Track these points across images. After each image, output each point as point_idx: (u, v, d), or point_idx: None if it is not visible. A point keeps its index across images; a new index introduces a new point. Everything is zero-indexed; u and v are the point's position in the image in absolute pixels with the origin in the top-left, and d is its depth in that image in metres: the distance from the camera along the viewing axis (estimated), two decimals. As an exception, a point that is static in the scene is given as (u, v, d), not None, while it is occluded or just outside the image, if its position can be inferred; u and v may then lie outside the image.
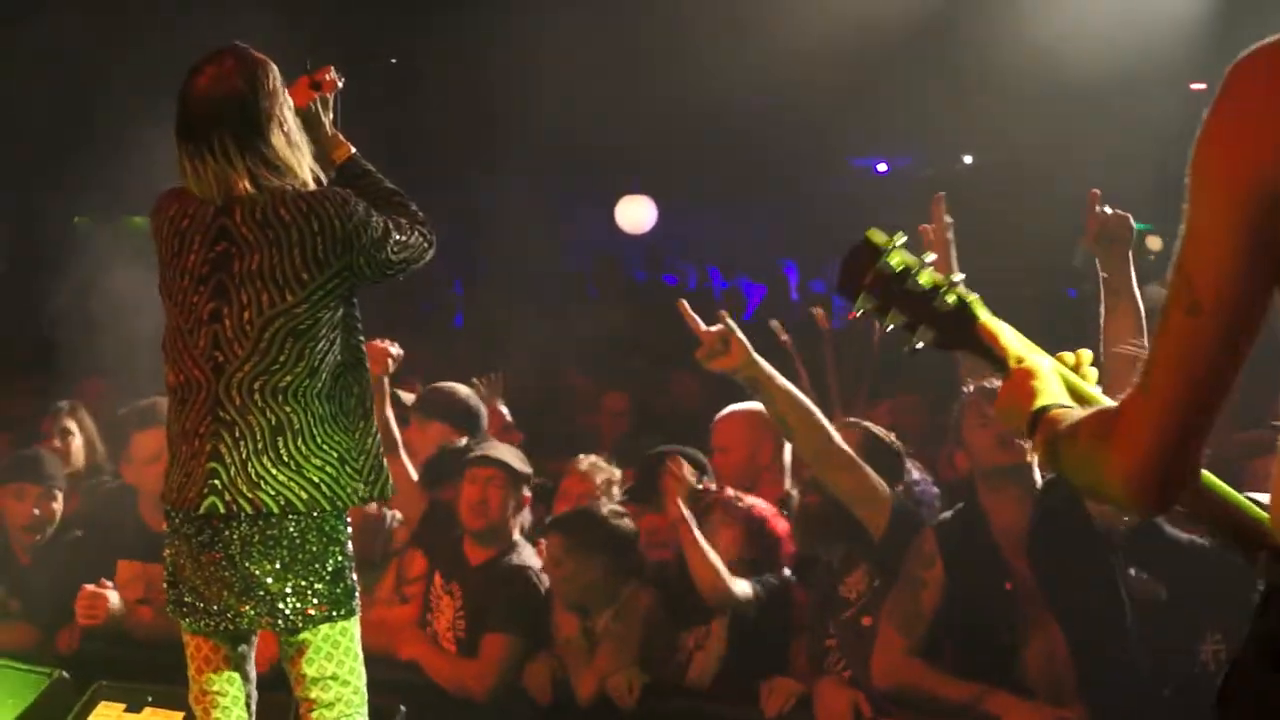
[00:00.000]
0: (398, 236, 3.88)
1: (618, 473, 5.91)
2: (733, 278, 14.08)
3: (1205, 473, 2.20)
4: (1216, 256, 1.84)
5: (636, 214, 13.18)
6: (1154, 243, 11.71)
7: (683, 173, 13.02)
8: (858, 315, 2.63)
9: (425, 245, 3.97)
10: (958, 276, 2.57)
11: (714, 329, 4.69)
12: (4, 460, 6.46)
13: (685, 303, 4.74)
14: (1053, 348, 2.59)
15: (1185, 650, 4.58)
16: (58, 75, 9.19)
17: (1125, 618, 4.58)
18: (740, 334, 4.69)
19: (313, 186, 3.85)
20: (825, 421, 4.83)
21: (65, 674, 5.43)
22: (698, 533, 4.98)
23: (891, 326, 2.58)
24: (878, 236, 2.56)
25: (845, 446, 4.85)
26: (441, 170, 11.30)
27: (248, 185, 3.76)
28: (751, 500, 5.23)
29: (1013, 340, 2.51)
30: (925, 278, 2.54)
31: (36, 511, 6.22)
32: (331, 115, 4.13)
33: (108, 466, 6.81)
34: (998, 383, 4.77)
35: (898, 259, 2.54)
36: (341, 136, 4.12)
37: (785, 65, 10.09)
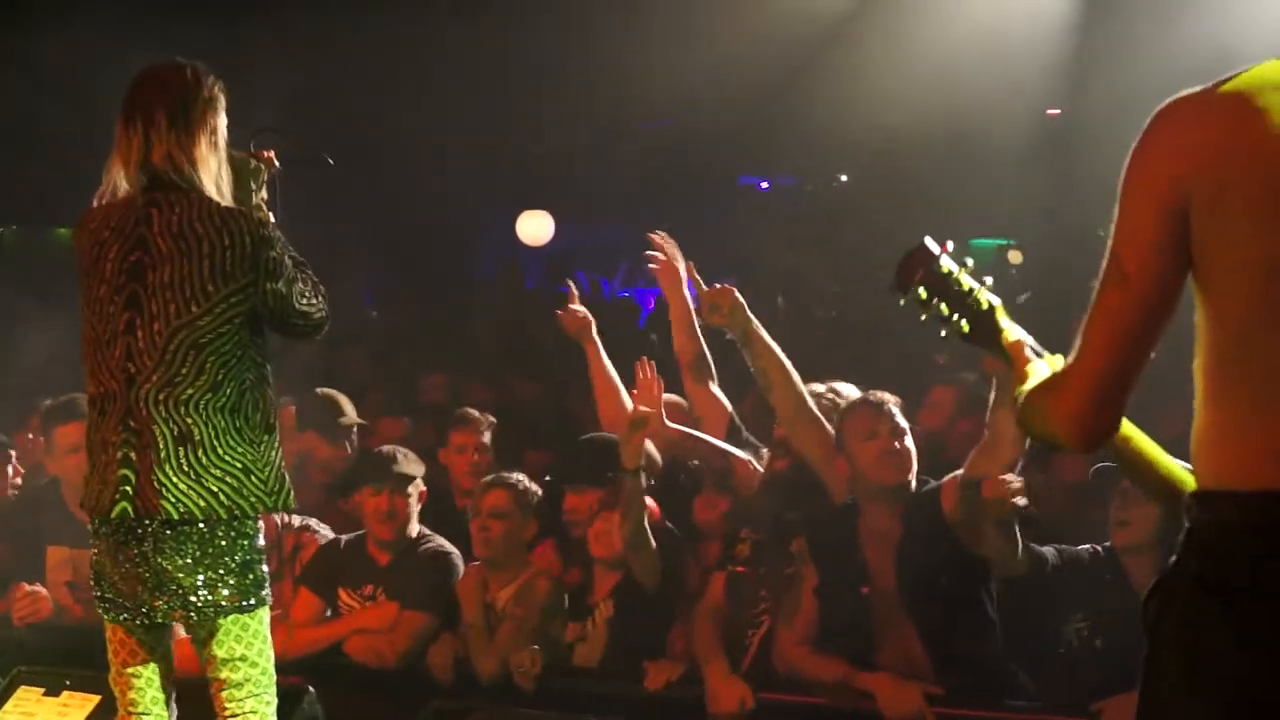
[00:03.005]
0: (300, 286, 3.85)
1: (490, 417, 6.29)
2: (628, 287, 14.08)
3: (1139, 435, 2.59)
4: (1141, 242, 2.26)
5: (536, 228, 13.16)
6: (1015, 256, 11.91)
7: (581, 189, 13.04)
8: (903, 304, 2.90)
9: (321, 313, 3.93)
10: (988, 280, 2.87)
11: (714, 287, 5.01)
12: None
13: (692, 265, 5.26)
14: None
15: (1053, 630, 4.74)
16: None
17: (987, 625, 4.67)
18: (738, 293, 5.00)
19: (216, 198, 3.80)
20: (800, 383, 4.94)
21: (-15, 661, 5.32)
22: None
23: (930, 316, 2.86)
24: (931, 244, 2.86)
25: (816, 409, 4.93)
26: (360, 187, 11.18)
27: (160, 160, 3.74)
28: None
29: (1026, 346, 2.77)
30: (964, 281, 2.83)
31: None
32: (264, 193, 4.04)
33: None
34: (881, 395, 4.80)
35: (947, 263, 2.84)
36: (265, 208, 4.02)
37: (680, 88, 10.13)
